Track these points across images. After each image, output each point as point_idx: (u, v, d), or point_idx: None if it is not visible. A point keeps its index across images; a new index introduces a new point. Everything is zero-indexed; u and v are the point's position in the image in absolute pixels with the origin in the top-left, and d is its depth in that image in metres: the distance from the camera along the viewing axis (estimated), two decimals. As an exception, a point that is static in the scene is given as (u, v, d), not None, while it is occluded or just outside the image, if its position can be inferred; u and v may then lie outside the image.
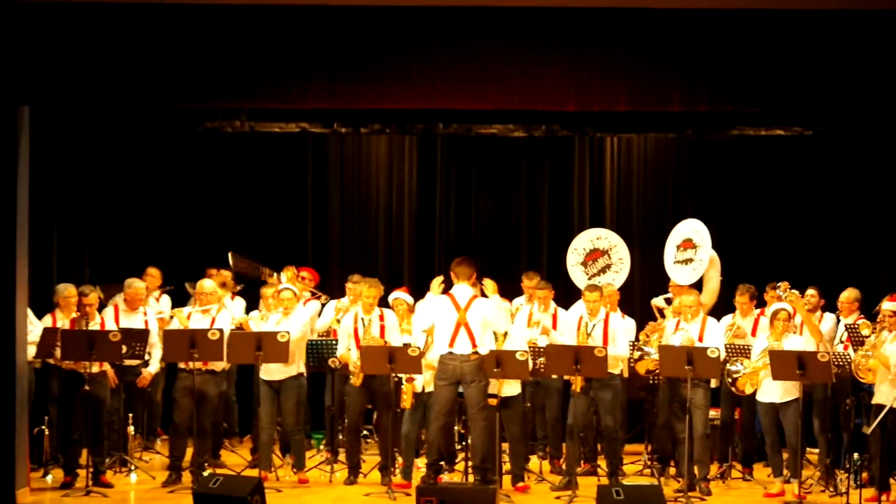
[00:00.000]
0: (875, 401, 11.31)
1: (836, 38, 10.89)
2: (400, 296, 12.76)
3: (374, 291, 12.16)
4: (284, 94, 11.27)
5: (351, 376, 12.05)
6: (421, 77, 11.11)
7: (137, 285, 12.89)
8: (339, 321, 12.80)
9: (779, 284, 12.09)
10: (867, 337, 11.71)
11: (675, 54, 11.05)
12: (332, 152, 15.86)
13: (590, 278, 13.50)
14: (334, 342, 12.53)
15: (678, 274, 13.37)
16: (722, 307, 13.10)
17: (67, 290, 12.11)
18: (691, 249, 13.41)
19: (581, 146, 15.69)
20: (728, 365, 11.83)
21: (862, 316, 12.36)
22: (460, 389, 11.45)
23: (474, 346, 11.27)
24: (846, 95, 11.09)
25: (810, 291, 12.48)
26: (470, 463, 11.50)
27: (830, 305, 12.77)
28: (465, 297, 11.41)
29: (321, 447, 13.44)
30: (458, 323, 11.30)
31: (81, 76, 11.02)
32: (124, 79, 11.04)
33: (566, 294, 13.72)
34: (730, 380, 11.83)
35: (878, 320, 11.66)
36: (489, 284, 11.60)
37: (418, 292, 13.33)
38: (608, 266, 13.77)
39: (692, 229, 13.52)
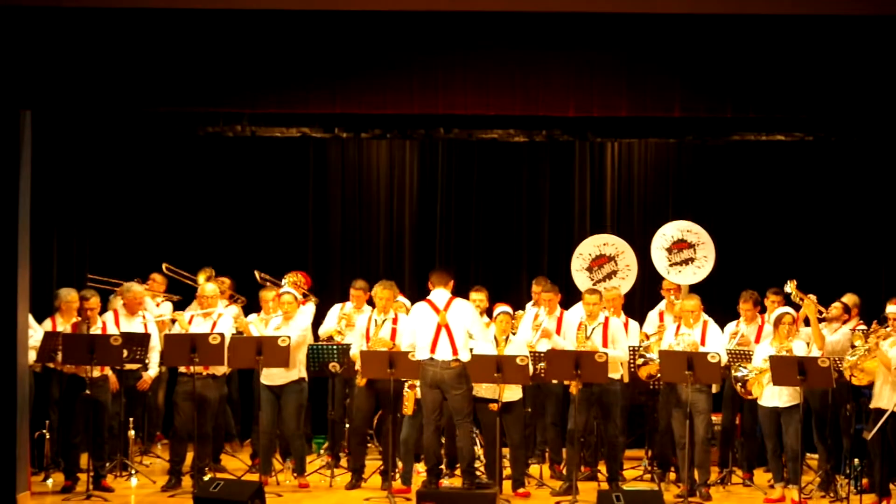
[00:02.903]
0: (874, 405, 11.31)
1: (836, 44, 10.91)
2: (402, 301, 12.79)
3: (386, 293, 12.19)
4: (286, 98, 11.29)
5: (357, 376, 12.06)
6: (422, 82, 11.14)
7: (135, 289, 12.90)
8: (343, 327, 12.83)
9: (787, 283, 12.08)
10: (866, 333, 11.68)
11: (675, 60, 11.07)
12: (333, 157, 15.88)
13: (595, 284, 13.51)
14: (335, 347, 12.54)
15: (680, 276, 13.38)
16: (726, 313, 13.07)
17: (70, 295, 12.13)
18: (687, 249, 13.43)
19: (582, 151, 15.71)
20: (733, 372, 11.82)
21: (862, 322, 12.35)
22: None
23: (455, 352, 11.27)
24: (846, 101, 11.10)
25: (835, 304, 12.44)
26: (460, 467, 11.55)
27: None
28: (443, 300, 11.45)
29: (322, 451, 13.44)
30: (438, 325, 11.32)
31: (83, 81, 11.04)
32: (126, 83, 11.06)
33: (569, 298, 13.72)
34: (740, 386, 11.79)
35: (871, 329, 11.62)
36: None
37: (418, 296, 13.34)
38: (614, 272, 13.78)
39: (681, 230, 13.55)
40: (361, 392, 12.10)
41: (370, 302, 12.77)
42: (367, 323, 12.24)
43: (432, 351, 11.31)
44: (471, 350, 11.43)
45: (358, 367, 12.09)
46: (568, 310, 13.04)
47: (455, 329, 11.31)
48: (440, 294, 11.54)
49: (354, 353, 12.22)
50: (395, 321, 12.18)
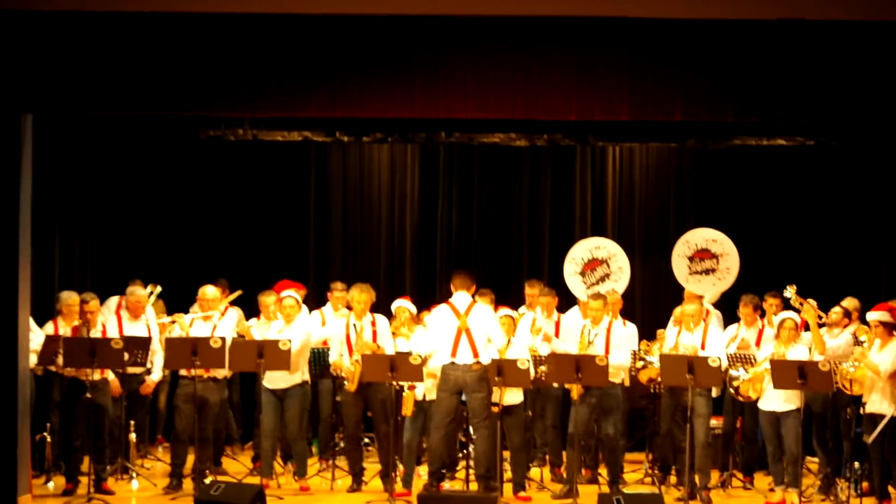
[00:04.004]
0: (868, 410, 11.32)
1: (837, 49, 10.91)
2: (402, 304, 12.78)
3: (364, 296, 12.12)
4: (287, 102, 11.29)
5: (346, 382, 12.06)
6: (423, 86, 11.14)
7: (139, 293, 12.90)
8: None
9: (787, 288, 12.10)
10: (864, 343, 11.71)
11: (676, 64, 11.07)
12: (334, 161, 15.90)
13: (589, 287, 13.50)
14: (335, 350, 12.56)
15: (699, 286, 13.38)
16: (726, 317, 13.08)
17: (71, 298, 12.14)
18: (710, 259, 13.42)
19: (583, 155, 15.73)
20: (730, 370, 11.85)
21: (862, 326, 12.36)
22: (463, 398, 11.49)
23: (476, 355, 11.30)
24: (847, 106, 11.10)
25: (835, 309, 12.45)
26: (473, 472, 11.54)
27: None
28: (464, 304, 11.46)
29: (323, 456, 13.44)
30: (459, 330, 11.34)
31: (84, 84, 11.04)
32: (127, 87, 11.06)
33: (568, 302, 13.74)
34: (732, 389, 11.85)
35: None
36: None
37: (420, 300, 13.38)
38: (607, 275, 13.78)
39: (706, 239, 13.53)
40: (351, 398, 12.08)
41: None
42: (345, 329, 12.20)
43: (453, 355, 11.33)
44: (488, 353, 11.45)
45: (343, 373, 12.08)
46: (564, 313, 13.05)
47: (475, 333, 11.33)
48: (462, 298, 11.54)
49: (335, 359, 12.18)
50: (373, 324, 12.15)
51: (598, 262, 13.82)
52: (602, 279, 13.79)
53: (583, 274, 13.82)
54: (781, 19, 10.90)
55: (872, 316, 11.41)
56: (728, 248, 13.52)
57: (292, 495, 11.98)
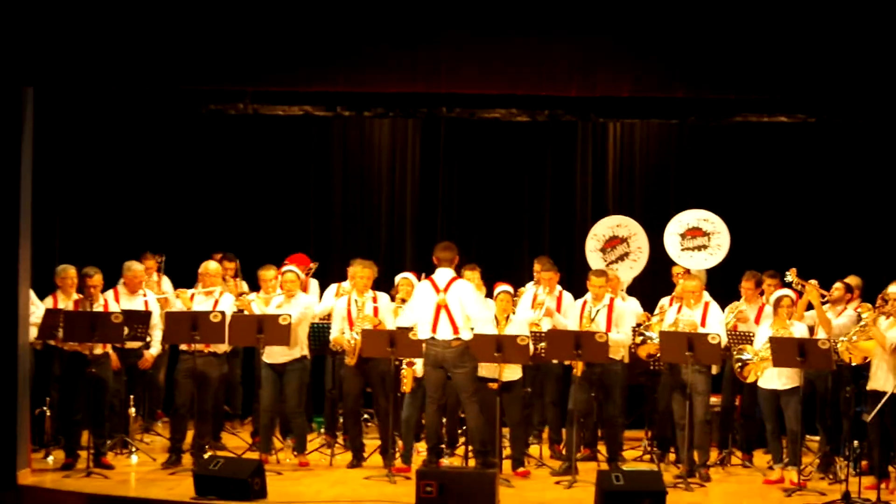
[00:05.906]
0: (870, 386, 11.30)
1: (840, 25, 10.87)
2: (407, 276, 12.72)
3: (367, 272, 12.14)
4: (288, 76, 11.28)
5: (346, 357, 12.06)
6: (424, 60, 11.12)
7: (136, 268, 12.86)
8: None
9: (787, 272, 12.10)
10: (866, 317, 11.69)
11: (678, 40, 11.03)
12: (335, 135, 15.88)
13: (608, 265, 13.53)
14: (337, 325, 12.56)
15: (691, 261, 13.39)
16: (727, 294, 13.07)
17: (66, 271, 12.09)
18: (701, 237, 13.45)
19: (584, 131, 15.71)
20: (736, 354, 11.83)
21: (864, 304, 12.33)
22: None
23: (455, 331, 11.29)
24: (850, 83, 11.08)
25: (837, 285, 12.44)
26: (470, 447, 11.55)
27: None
28: (444, 279, 11.45)
29: (321, 431, 13.46)
30: (438, 306, 11.32)
31: (86, 57, 11.03)
32: (129, 60, 11.06)
33: (569, 278, 13.72)
34: (738, 367, 11.82)
35: (877, 305, 11.62)
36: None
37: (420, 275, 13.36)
38: (626, 254, 13.82)
39: (697, 218, 13.55)
40: (350, 372, 12.09)
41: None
42: (346, 305, 12.19)
43: (433, 330, 11.33)
44: (471, 329, 11.43)
45: (346, 347, 12.06)
46: (568, 290, 13.03)
47: (454, 309, 11.32)
48: (443, 273, 11.53)
49: (336, 336, 12.17)
50: (374, 300, 12.16)
51: (619, 240, 13.86)
52: (621, 258, 13.83)
53: (602, 251, 13.85)
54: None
55: (894, 289, 11.32)
56: (719, 226, 13.54)
57: (291, 470, 11.99)
